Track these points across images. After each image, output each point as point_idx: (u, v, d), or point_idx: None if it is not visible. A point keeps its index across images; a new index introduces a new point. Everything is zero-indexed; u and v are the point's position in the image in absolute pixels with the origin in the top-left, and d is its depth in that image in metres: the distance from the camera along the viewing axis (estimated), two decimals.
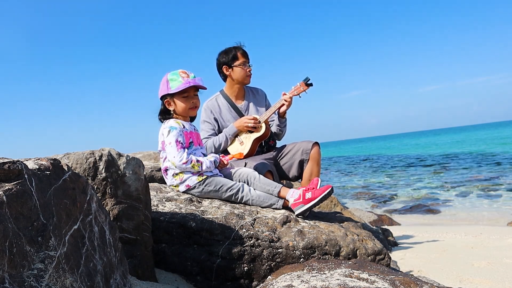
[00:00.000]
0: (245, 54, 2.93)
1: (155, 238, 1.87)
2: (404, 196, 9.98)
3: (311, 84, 2.81)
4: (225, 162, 2.36)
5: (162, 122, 2.33)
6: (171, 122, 2.24)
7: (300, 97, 2.85)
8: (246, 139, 2.85)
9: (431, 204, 8.26)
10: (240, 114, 2.97)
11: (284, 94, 2.83)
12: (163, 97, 2.29)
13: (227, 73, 2.96)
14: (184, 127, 2.26)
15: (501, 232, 4.94)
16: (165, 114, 2.32)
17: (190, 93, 2.25)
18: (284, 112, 2.86)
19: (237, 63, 2.92)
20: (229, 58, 2.92)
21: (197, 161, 2.20)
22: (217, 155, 2.33)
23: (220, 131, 2.94)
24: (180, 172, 2.26)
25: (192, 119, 2.39)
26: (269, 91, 3.39)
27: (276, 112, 2.91)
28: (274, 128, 2.96)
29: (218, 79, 3.08)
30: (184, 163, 2.17)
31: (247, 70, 2.93)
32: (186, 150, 2.21)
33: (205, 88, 2.30)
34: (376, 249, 2.00)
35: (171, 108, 2.29)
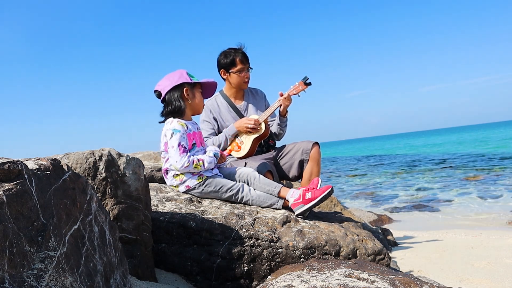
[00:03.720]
0: (244, 60, 2.88)
1: (155, 238, 1.87)
2: (404, 196, 9.97)
3: (309, 83, 2.82)
4: (224, 157, 2.39)
5: (165, 115, 2.29)
6: (174, 124, 2.20)
7: (299, 96, 2.85)
8: (245, 139, 2.85)
9: (431, 204, 8.25)
10: (240, 115, 2.97)
11: (281, 94, 2.82)
12: (179, 86, 2.24)
13: (225, 77, 2.96)
14: (187, 128, 2.25)
15: (501, 232, 4.94)
16: (176, 110, 2.25)
17: (200, 92, 2.34)
18: (286, 111, 2.86)
19: (234, 69, 2.88)
20: (227, 62, 2.89)
21: (198, 160, 2.19)
22: (216, 147, 2.33)
23: (219, 131, 2.95)
24: (181, 173, 2.26)
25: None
26: (268, 90, 3.40)
27: (278, 111, 2.91)
28: (275, 128, 2.96)
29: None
30: (186, 167, 2.16)
31: (244, 77, 2.90)
32: (188, 153, 2.20)
33: (211, 95, 2.47)
34: (376, 249, 2.00)
35: (188, 99, 2.26)
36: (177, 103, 2.24)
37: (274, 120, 3.00)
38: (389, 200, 9.62)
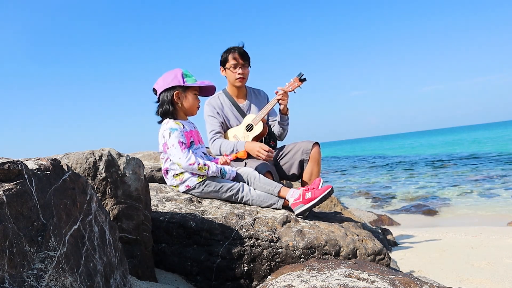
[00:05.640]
0: (237, 57, 2.87)
1: (155, 238, 1.87)
2: (404, 196, 9.97)
3: (305, 79, 2.83)
4: (228, 161, 2.37)
5: (159, 115, 2.30)
6: (171, 124, 2.22)
7: (295, 92, 2.85)
8: (244, 138, 2.84)
9: (431, 204, 8.26)
10: (242, 114, 2.96)
11: (277, 92, 2.82)
12: (171, 89, 2.24)
13: (223, 74, 2.98)
14: (184, 127, 2.26)
15: (501, 232, 4.94)
16: (166, 113, 2.27)
17: (198, 93, 2.32)
18: (286, 109, 2.85)
19: (227, 65, 2.91)
20: (222, 59, 2.94)
21: (205, 164, 2.19)
22: (227, 167, 2.31)
23: (222, 127, 2.94)
24: (181, 173, 2.26)
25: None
26: (268, 89, 3.38)
27: (279, 110, 2.90)
28: (277, 128, 2.94)
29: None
30: (191, 164, 2.16)
31: (236, 73, 2.89)
32: (189, 150, 2.20)
33: (210, 95, 2.47)
34: (376, 249, 2.00)
35: (178, 102, 2.26)
36: (165, 106, 2.25)
37: (276, 120, 2.99)
38: (389, 200, 9.62)
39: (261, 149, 2.64)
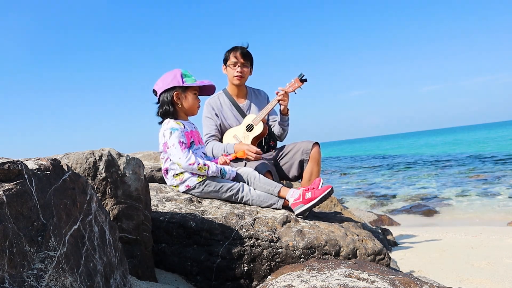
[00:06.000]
0: (238, 55, 2.90)
1: (155, 238, 1.87)
2: (404, 196, 9.97)
3: (305, 80, 2.83)
4: (228, 161, 2.38)
5: (160, 116, 2.31)
6: (171, 123, 2.22)
7: (295, 93, 2.85)
8: (244, 138, 2.84)
9: (431, 204, 8.25)
10: (242, 113, 2.96)
11: (277, 92, 2.82)
12: (171, 90, 2.25)
13: (224, 72, 3.00)
14: (184, 127, 2.26)
15: (501, 232, 4.94)
16: (167, 113, 2.28)
17: (197, 93, 2.32)
18: (286, 109, 2.85)
19: (228, 63, 2.95)
20: (224, 57, 2.98)
21: (204, 164, 2.20)
22: (227, 167, 2.31)
23: (221, 128, 2.95)
24: (181, 173, 2.26)
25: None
26: (268, 90, 3.38)
27: (279, 111, 2.91)
28: (277, 128, 2.95)
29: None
30: (191, 164, 2.16)
31: (235, 71, 2.92)
32: (190, 150, 2.21)
33: (210, 94, 2.45)
34: (376, 249, 2.00)
35: (178, 103, 2.26)
36: (166, 107, 2.26)
37: (276, 120, 2.99)
38: (389, 200, 9.62)
39: (248, 152, 2.65)
